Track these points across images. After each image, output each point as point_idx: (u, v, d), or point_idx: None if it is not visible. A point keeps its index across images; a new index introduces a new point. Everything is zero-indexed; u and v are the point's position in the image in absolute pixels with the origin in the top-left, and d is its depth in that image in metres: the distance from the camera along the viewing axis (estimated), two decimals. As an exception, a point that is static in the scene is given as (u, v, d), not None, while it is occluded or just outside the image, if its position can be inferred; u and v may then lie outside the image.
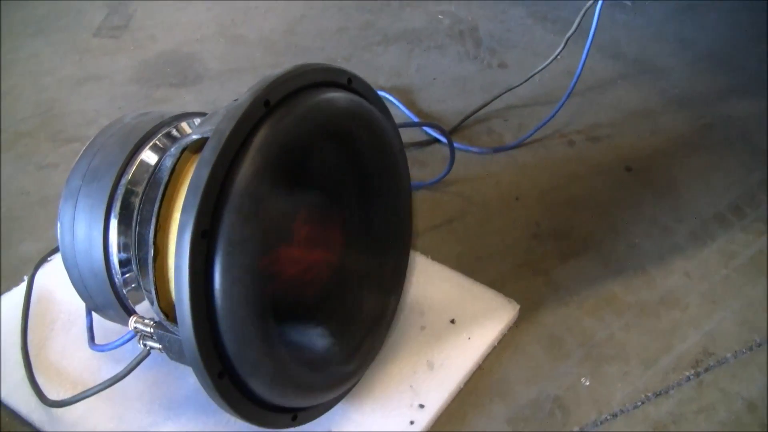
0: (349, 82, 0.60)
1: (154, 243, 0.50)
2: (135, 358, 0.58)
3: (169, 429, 0.65)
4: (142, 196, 0.57)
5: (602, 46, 1.32)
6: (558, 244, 0.90)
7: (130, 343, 0.61)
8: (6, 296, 0.79)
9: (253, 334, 0.50)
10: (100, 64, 1.28)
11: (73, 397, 0.63)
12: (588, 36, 1.01)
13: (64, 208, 0.60)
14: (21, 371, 0.70)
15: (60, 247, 0.61)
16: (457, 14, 1.46)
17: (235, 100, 0.51)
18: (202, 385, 0.50)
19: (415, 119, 1.12)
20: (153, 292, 0.52)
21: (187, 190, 0.45)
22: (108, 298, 0.61)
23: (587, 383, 0.72)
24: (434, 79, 1.24)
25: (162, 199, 0.51)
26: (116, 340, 0.62)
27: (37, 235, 0.89)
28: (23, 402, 0.68)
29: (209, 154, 0.45)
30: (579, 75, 1.04)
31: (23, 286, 0.79)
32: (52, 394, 0.67)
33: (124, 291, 0.60)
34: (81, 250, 0.59)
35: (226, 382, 0.50)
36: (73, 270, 0.61)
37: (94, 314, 0.71)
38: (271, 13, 1.47)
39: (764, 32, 1.38)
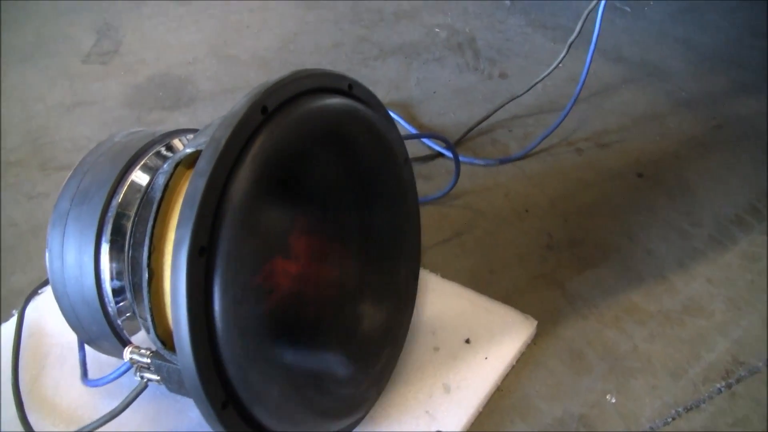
0: (349, 88, 0.57)
1: (149, 265, 0.46)
2: (132, 392, 0.54)
3: (171, 466, 0.61)
4: (134, 218, 0.54)
5: (604, 51, 1.30)
6: (572, 253, 0.86)
7: (125, 376, 0.57)
8: (-4, 331, 0.75)
9: (258, 356, 0.46)
10: (90, 90, 1.25)
11: (68, 436, 0.59)
12: (591, 40, 0.98)
13: (52, 233, 0.56)
14: (12, 410, 0.65)
15: (49, 275, 0.57)
16: (453, 26, 1.44)
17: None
18: (205, 417, 0.46)
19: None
20: (149, 319, 0.48)
21: (182, 203, 0.41)
22: (101, 328, 0.57)
23: (613, 400, 0.68)
24: (434, 92, 1.22)
25: (155, 217, 0.47)
26: (110, 374, 0.58)
27: (27, 267, 0.86)
28: (15, 443, 0.63)
29: (205, 164, 0.42)
30: (584, 80, 1.02)
31: (13, 320, 0.75)
32: (45, 434, 0.63)
33: (119, 321, 0.56)
34: (71, 277, 0.55)
35: (231, 412, 0.46)
36: (63, 299, 0.57)
37: (87, 348, 0.67)
38: (264, 31, 1.45)
39: (765, 28, 1.36)
